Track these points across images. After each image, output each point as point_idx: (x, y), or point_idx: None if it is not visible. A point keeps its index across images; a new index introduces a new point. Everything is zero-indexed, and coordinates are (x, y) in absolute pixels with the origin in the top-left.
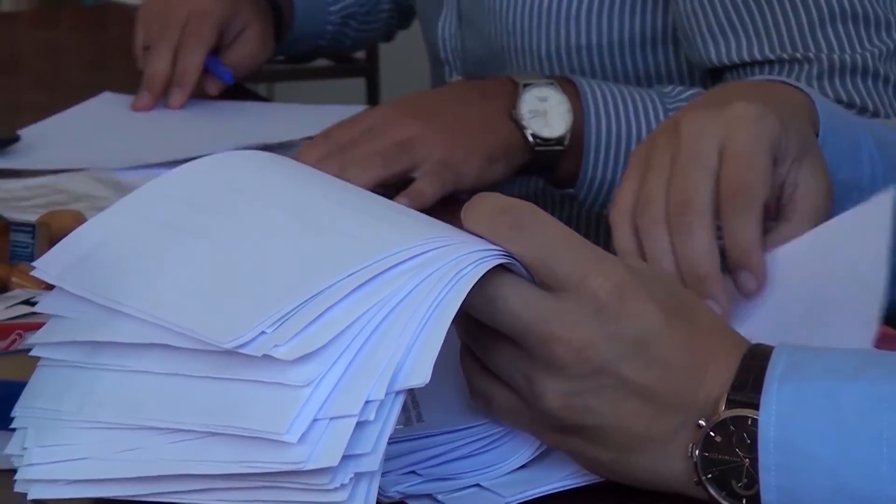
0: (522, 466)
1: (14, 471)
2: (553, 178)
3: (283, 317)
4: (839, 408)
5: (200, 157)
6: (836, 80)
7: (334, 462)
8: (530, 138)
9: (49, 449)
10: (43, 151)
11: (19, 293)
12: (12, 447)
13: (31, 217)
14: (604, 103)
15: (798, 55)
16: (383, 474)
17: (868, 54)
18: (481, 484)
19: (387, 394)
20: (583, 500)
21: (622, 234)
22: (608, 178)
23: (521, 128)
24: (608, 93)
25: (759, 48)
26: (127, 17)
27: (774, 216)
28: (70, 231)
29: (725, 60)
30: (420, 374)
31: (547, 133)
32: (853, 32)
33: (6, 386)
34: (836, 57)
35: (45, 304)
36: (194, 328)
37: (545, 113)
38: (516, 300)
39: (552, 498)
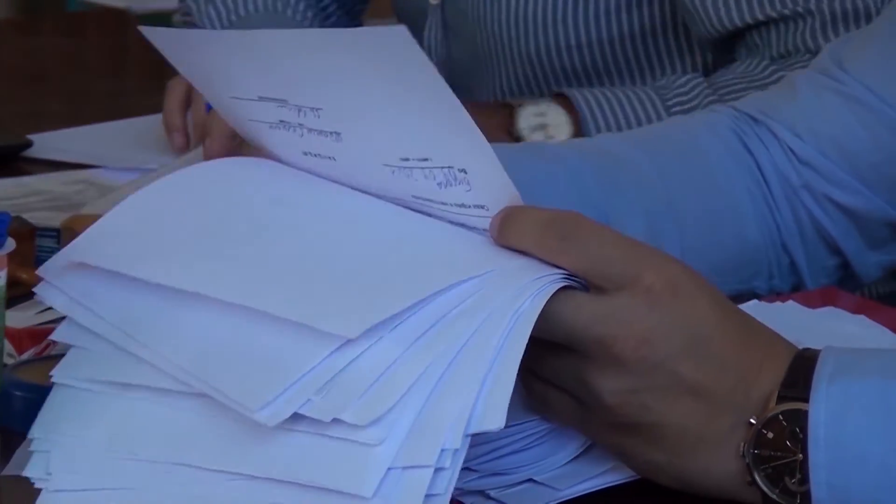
0: (573, 459)
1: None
2: None
3: (329, 381)
4: (890, 406)
5: None
6: (840, 28)
7: None
8: None
9: (81, 477)
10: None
11: None
12: (33, 469)
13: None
14: (599, 109)
15: (799, 9)
16: None
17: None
18: (534, 479)
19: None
20: (637, 496)
21: None
22: None
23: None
24: (602, 98)
25: (760, 7)
26: (111, 21)
27: None
28: None
29: (727, 24)
30: (495, 418)
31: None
32: None
33: (38, 390)
34: (836, 5)
35: (60, 334)
36: (230, 393)
37: (545, 126)
38: (568, 309)
39: (605, 494)
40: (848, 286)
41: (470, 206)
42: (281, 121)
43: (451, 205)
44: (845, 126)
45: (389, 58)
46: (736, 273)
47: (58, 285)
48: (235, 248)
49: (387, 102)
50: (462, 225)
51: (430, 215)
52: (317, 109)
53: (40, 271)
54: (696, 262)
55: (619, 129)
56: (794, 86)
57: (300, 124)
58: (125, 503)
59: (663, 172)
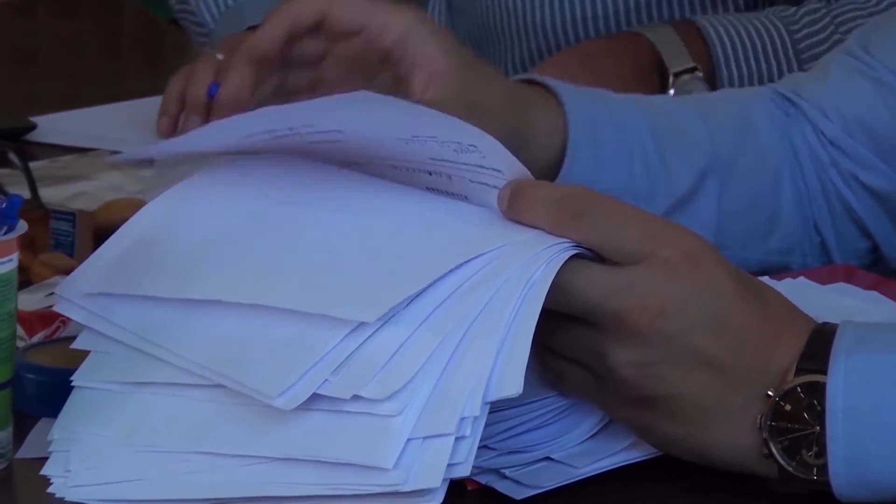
0: (591, 437)
1: (41, 458)
2: None
3: (344, 361)
4: None
5: None
6: None
7: (436, 483)
8: None
9: (97, 471)
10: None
11: (58, 280)
12: (52, 468)
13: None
14: (733, 51)
15: None
16: None
17: None
18: (552, 456)
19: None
20: (656, 473)
21: None
22: None
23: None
24: (731, 27)
25: None
26: (107, 4)
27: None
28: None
29: None
30: (512, 384)
31: None
32: None
33: (51, 373)
34: None
35: (82, 341)
36: (248, 383)
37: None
38: (584, 281)
39: (624, 471)
40: (879, 270)
41: (488, 169)
42: (275, 137)
43: (471, 165)
44: (871, 108)
45: (364, 109)
46: (767, 241)
47: (76, 301)
48: (246, 253)
49: (375, 121)
50: (484, 184)
51: (450, 176)
52: (307, 125)
53: (58, 290)
54: (732, 223)
55: (747, 61)
56: (827, 67)
57: (296, 133)
58: (141, 493)
59: (714, 135)
